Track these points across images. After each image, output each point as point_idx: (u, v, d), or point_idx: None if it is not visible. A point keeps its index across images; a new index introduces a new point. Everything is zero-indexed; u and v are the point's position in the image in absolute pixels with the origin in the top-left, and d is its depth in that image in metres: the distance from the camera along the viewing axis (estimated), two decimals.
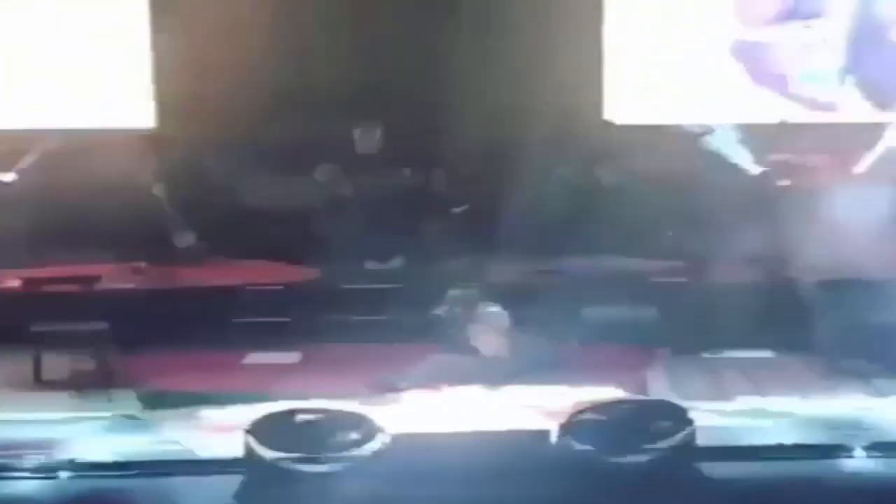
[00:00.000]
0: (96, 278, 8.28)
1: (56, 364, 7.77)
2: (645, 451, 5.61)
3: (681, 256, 8.98)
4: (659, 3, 9.87)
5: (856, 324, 7.72)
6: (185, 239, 9.69)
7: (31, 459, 5.98)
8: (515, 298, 7.82)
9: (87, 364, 7.78)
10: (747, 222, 9.30)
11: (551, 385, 7.18)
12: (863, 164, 9.58)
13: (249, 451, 5.55)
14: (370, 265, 9.21)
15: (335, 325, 8.35)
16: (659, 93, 9.88)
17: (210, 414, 6.75)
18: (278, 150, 9.78)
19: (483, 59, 9.83)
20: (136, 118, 9.79)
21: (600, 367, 7.63)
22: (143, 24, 9.73)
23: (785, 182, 9.54)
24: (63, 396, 7.24)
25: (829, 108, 9.96)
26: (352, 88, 9.79)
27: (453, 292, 7.80)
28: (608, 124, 9.78)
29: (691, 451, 5.69)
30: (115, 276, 9.01)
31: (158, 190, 9.62)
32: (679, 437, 5.65)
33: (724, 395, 7.05)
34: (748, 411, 6.82)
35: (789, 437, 6.24)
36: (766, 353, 7.90)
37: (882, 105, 9.86)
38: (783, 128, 9.83)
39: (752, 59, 9.97)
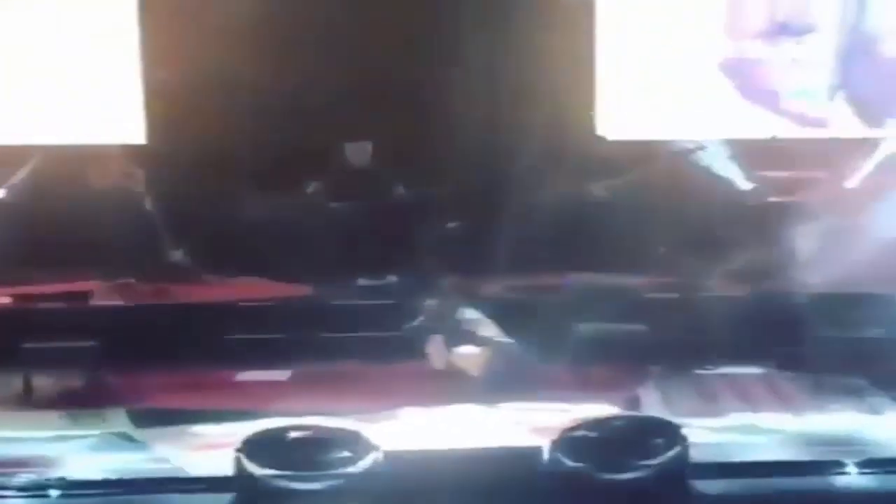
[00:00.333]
0: (86, 295, 8.25)
1: (46, 382, 7.74)
2: (637, 468, 5.60)
3: (673, 272, 8.99)
4: (651, 19, 9.88)
5: (848, 339, 7.72)
6: (176, 255, 9.68)
7: (21, 478, 5.94)
8: (507, 314, 7.83)
9: (76, 381, 7.76)
10: (739, 238, 9.33)
11: (543, 402, 7.19)
12: (854, 180, 9.60)
13: (240, 468, 5.53)
14: (362, 281, 9.20)
15: (327, 341, 8.34)
16: (651, 108, 9.89)
17: (201, 431, 6.73)
18: (270, 165, 9.76)
19: (475, 74, 9.82)
20: (126, 133, 9.77)
21: (592, 384, 7.64)
22: (134, 39, 9.71)
23: (776, 197, 9.56)
24: (53, 414, 7.20)
25: (820, 123, 9.98)
26: (345, 104, 9.78)
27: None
28: (600, 140, 9.79)
29: (684, 468, 5.68)
30: (104, 293, 8.99)
31: (149, 205, 9.60)
32: (671, 453, 5.65)
33: (717, 412, 7.04)
34: (741, 427, 6.81)
35: (782, 454, 6.24)
36: (758, 369, 7.89)
37: (873, 121, 9.89)
38: (774, 143, 9.85)
39: (743, 75, 9.99)
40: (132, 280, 9.43)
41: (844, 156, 9.55)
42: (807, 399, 7.22)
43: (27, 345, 7.62)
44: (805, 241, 9.27)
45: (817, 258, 9.18)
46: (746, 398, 7.25)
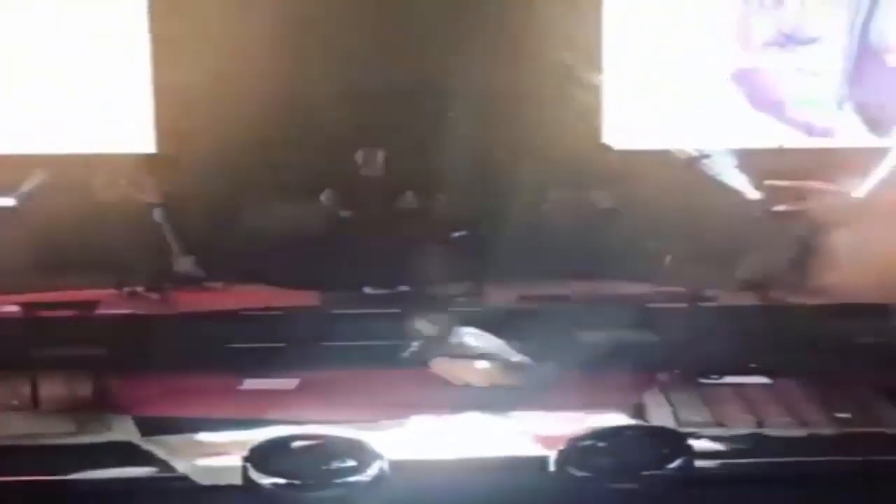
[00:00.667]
0: (94, 303, 8.28)
1: (54, 389, 7.76)
2: (643, 478, 5.60)
3: (679, 281, 8.99)
4: (657, 29, 9.90)
5: (853, 348, 7.71)
6: (184, 263, 9.70)
7: (28, 485, 5.96)
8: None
9: (84, 389, 7.78)
10: (745, 247, 9.33)
11: (549, 411, 7.19)
12: (861, 190, 9.60)
13: (247, 477, 5.54)
14: (368, 290, 9.21)
15: (333, 350, 8.35)
16: (657, 118, 9.91)
17: (207, 440, 6.73)
18: (278, 174, 9.80)
19: (483, 83, 9.85)
20: (136, 142, 9.81)
21: (598, 393, 7.65)
22: (144, 50, 9.76)
23: (783, 207, 9.56)
24: (60, 422, 7.21)
25: (826, 133, 9.98)
26: (353, 113, 9.81)
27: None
28: (606, 149, 9.80)
29: (690, 478, 5.68)
30: (112, 301, 9.02)
31: (157, 214, 9.63)
32: (677, 463, 5.65)
33: (723, 421, 7.03)
34: (747, 437, 6.80)
35: (788, 464, 6.23)
36: (765, 379, 7.88)
37: (880, 130, 9.89)
38: (781, 153, 9.86)
39: (750, 85, 10.00)
40: (140, 289, 9.50)
41: (852, 165, 9.56)
42: (813, 408, 7.20)
43: (35, 352, 7.64)
44: (812, 250, 9.27)
45: (824, 267, 9.18)
46: (752, 407, 7.24)
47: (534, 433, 6.73)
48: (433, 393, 7.47)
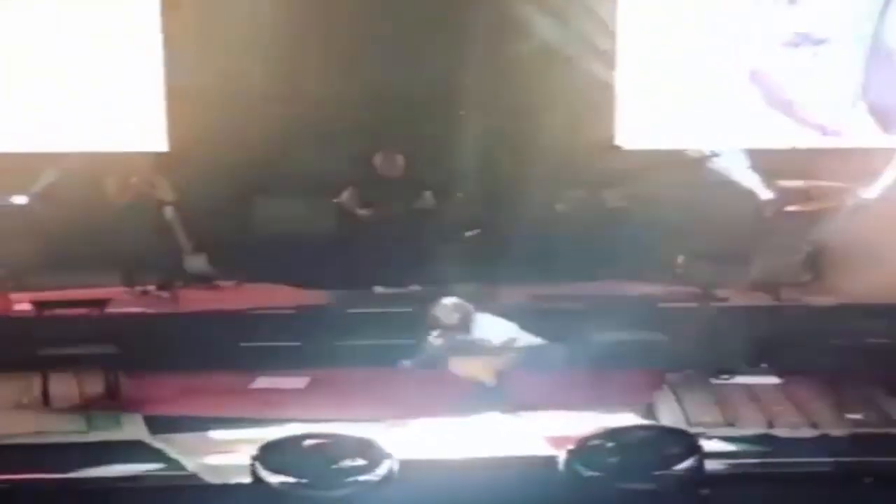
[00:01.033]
0: (105, 301, 8.29)
1: (65, 387, 7.78)
2: (654, 478, 5.59)
3: (691, 281, 8.97)
4: (670, 30, 9.89)
5: (865, 348, 7.69)
6: (195, 262, 9.71)
7: (40, 483, 5.98)
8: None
9: (94, 387, 7.80)
10: (757, 247, 9.31)
11: (560, 410, 7.19)
12: (874, 189, 9.57)
13: (256, 475, 5.54)
14: (379, 289, 9.21)
15: (344, 349, 8.35)
16: (670, 117, 9.90)
17: (217, 438, 6.75)
18: (289, 173, 9.82)
19: (496, 86, 9.86)
20: (148, 141, 9.83)
21: (609, 393, 7.64)
22: (157, 45, 9.78)
23: (795, 207, 9.53)
24: (71, 420, 7.23)
25: (839, 133, 9.95)
26: (365, 114, 9.83)
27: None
28: (619, 149, 9.79)
29: (700, 478, 5.66)
30: (123, 300, 9.04)
31: (169, 212, 9.65)
32: (688, 463, 5.63)
33: (734, 421, 7.02)
34: (757, 437, 6.79)
35: (798, 464, 6.22)
36: (776, 379, 7.87)
37: (893, 130, 9.86)
38: (794, 153, 9.83)
39: (763, 84, 9.98)
40: (151, 287, 9.52)
41: (864, 165, 9.53)
42: (823, 408, 7.19)
43: (46, 350, 7.66)
44: (824, 250, 9.25)
45: (835, 267, 9.16)
46: (763, 407, 7.23)
47: (544, 433, 6.72)
48: (443, 392, 7.47)
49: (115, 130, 9.79)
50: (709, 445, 6.10)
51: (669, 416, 7.12)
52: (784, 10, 9.87)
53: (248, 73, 9.49)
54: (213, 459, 6.33)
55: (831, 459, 6.22)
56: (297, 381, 8.03)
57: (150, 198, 9.61)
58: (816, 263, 9.19)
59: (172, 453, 6.46)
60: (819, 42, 9.92)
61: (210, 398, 7.67)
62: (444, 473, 5.63)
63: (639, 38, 9.94)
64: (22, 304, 8.74)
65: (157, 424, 7.01)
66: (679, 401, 7.39)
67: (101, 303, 8.20)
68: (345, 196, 9.58)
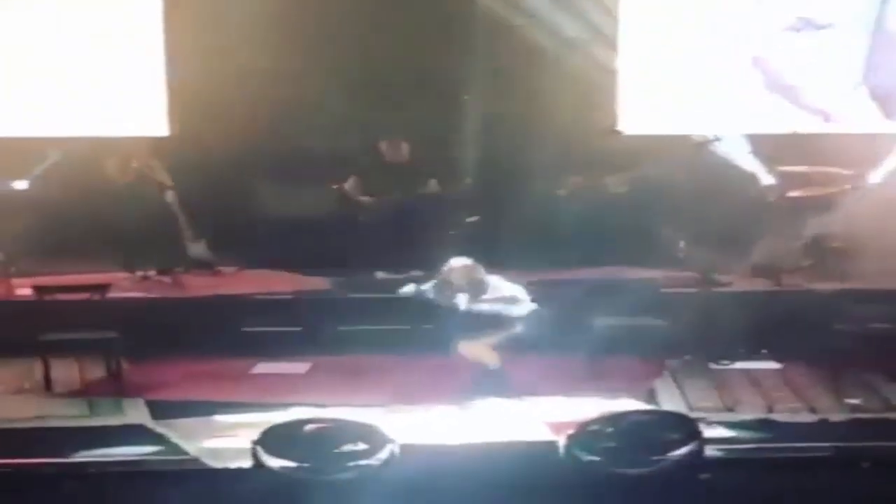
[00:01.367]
0: (106, 287, 8.30)
1: (67, 372, 7.80)
2: (653, 463, 5.60)
3: (691, 266, 8.98)
4: (672, 15, 9.88)
5: (865, 334, 7.69)
6: (197, 247, 9.72)
7: (42, 468, 5.99)
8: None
9: (96, 372, 7.82)
10: (758, 233, 9.31)
11: (559, 396, 7.20)
12: (875, 175, 9.56)
13: (257, 460, 5.55)
14: (381, 274, 9.22)
15: (345, 334, 8.37)
16: (672, 102, 9.89)
17: (219, 423, 6.76)
18: (289, 159, 9.81)
19: (498, 72, 9.85)
20: (150, 125, 9.83)
21: (609, 378, 7.65)
22: (157, 32, 9.78)
23: (796, 192, 9.53)
24: (72, 405, 7.25)
25: (841, 118, 9.95)
26: (366, 100, 9.82)
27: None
28: (621, 134, 9.79)
29: (700, 463, 5.68)
30: (125, 285, 9.05)
31: (170, 198, 9.64)
32: (688, 448, 5.64)
33: (733, 406, 7.03)
34: (757, 422, 6.80)
35: (798, 449, 6.23)
36: (776, 364, 7.88)
37: (895, 115, 9.85)
38: (795, 138, 9.83)
39: (764, 69, 9.97)
40: (152, 272, 9.53)
41: (866, 151, 9.53)
42: (822, 393, 7.20)
43: (47, 335, 7.67)
44: (824, 236, 9.25)
45: (836, 253, 9.16)
46: (763, 393, 7.24)
47: (544, 418, 6.74)
48: (444, 378, 7.49)
49: (116, 115, 9.79)
50: (709, 430, 6.11)
51: (670, 401, 7.13)
52: None
53: (249, 57, 9.47)
54: (214, 444, 6.34)
55: (830, 444, 6.22)
56: (298, 367, 8.05)
57: (151, 183, 9.61)
58: (818, 249, 9.19)
59: (174, 438, 6.47)
60: (821, 27, 9.91)
61: (211, 383, 7.69)
62: (445, 458, 5.64)
63: (641, 23, 9.93)
64: (23, 289, 8.76)
65: (159, 409, 7.02)
66: (679, 386, 7.41)
67: (102, 288, 8.21)
68: (348, 184, 9.57)
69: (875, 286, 8.48)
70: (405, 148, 9.62)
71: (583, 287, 8.61)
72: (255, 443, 5.56)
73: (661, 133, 9.74)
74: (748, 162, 9.70)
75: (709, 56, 9.90)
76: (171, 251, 9.55)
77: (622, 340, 7.79)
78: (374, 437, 5.59)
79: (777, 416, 6.84)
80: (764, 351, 7.99)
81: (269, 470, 5.51)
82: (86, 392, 7.50)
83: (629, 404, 6.96)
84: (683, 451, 5.61)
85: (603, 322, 7.85)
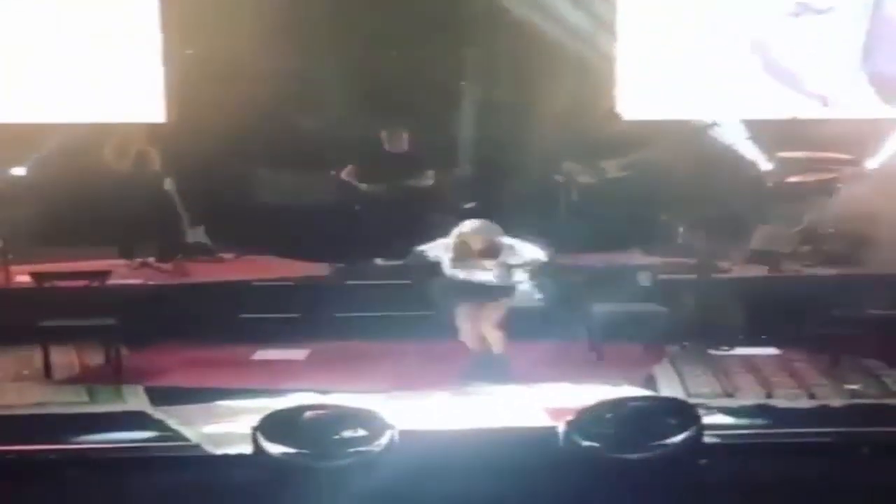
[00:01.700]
0: (106, 273, 8.30)
1: (66, 359, 7.80)
2: (652, 449, 5.61)
3: (690, 253, 8.97)
4: (671, 1, 9.87)
5: (863, 319, 7.70)
6: (195, 234, 9.71)
7: (41, 454, 6.00)
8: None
9: (96, 359, 7.82)
10: (757, 218, 9.31)
11: (559, 382, 7.21)
12: (874, 160, 9.56)
13: (257, 446, 5.56)
14: (380, 261, 9.21)
15: (344, 321, 8.37)
16: (671, 87, 9.88)
17: (218, 409, 6.77)
18: (288, 146, 9.79)
19: (496, 59, 9.84)
20: (147, 112, 9.81)
21: (608, 364, 7.66)
22: (155, 18, 9.76)
23: (795, 178, 9.53)
24: (72, 391, 7.25)
25: (840, 104, 9.94)
26: (363, 86, 9.80)
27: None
28: (619, 120, 9.77)
29: (699, 448, 5.69)
30: (125, 272, 9.05)
31: (169, 184, 9.63)
32: (687, 433, 5.65)
33: (732, 392, 7.04)
34: (756, 408, 6.80)
35: (797, 434, 6.24)
36: (775, 350, 7.89)
37: (893, 101, 9.84)
38: (794, 123, 9.82)
39: (763, 54, 9.95)
40: (151, 259, 9.52)
41: (865, 136, 9.52)
42: (822, 380, 7.20)
43: (46, 322, 7.67)
44: (824, 221, 9.25)
45: (836, 239, 9.16)
46: (762, 378, 7.25)
47: (543, 404, 6.75)
48: (444, 364, 7.49)
49: (113, 101, 9.78)
50: (707, 416, 6.12)
51: (668, 387, 7.14)
52: None
53: (247, 44, 9.44)
54: (214, 430, 6.35)
55: (829, 430, 6.24)
56: (297, 353, 8.05)
57: (149, 169, 9.59)
58: (816, 235, 9.19)
59: (173, 424, 6.48)
60: (820, 12, 9.89)
61: (210, 369, 7.69)
62: (444, 444, 5.64)
63: (640, 7, 9.91)
64: (22, 276, 8.75)
65: (158, 395, 7.02)
66: (678, 372, 7.41)
67: (101, 275, 8.20)
68: (345, 171, 9.56)
69: (874, 271, 8.48)
70: (405, 137, 9.60)
71: (582, 273, 8.61)
72: (255, 429, 5.57)
73: (660, 119, 9.72)
74: (747, 147, 9.70)
75: (708, 41, 9.88)
76: (169, 238, 9.55)
77: (621, 326, 7.79)
78: (373, 424, 5.60)
79: (776, 402, 6.84)
80: (763, 337, 8.00)
81: (269, 456, 5.52)
82: (85, 379, 7.51)
83: (628, 390, 6.96)
84: (682, 436, 5.62)
85: (602, 308, 7.85)
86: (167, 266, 9.35)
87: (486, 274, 7.34)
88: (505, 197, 9.23)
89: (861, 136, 9.48)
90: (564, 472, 5.53)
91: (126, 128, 9.70)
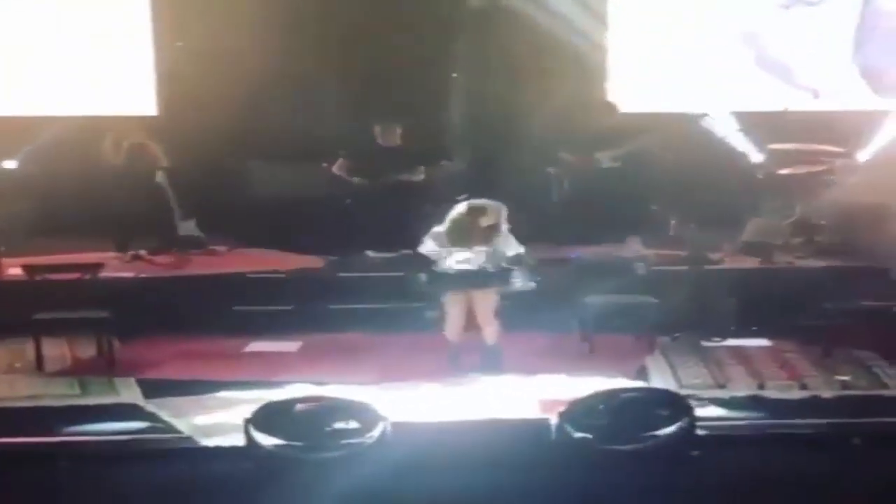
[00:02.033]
0: (99, 266, 8.29)
1: (58, 352, 7.79)
2: (644, 440, 5.62)
3: (682, 244, 8.98)
4: None
5: (854, 311, 7.72)
6: (188, 227, 9.70)
7: (34, 447, 6.00)
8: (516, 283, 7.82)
9: (88, 351, 7.81)
10: (749, 210, 9.32)
11: (551, 374, 7.21)
12: (866, 152, 9.57)
13: (250, 438, 5.57)
14: (372, 254, 9.21)
15: (336, 313, 8.37)
16: (662, 80, 9.88)
17: (211, 401, 6.77)
18: (280, 139, 9.78)
19: (488, 51, 9.84)
20: (139, 105, 9.80)
21: (601, 356, 7.67)
22: (146, 9, 9.75)
23: (787, 170, 9.54)
24: (65, 384, 7.24)
25: (831, 95, 9.95)
26: (354, 80, 9.80)
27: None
28: (611, 113, 9.77)
29: (691, 439, 5.70)
30: (117, 264, 9.04)
31: (161, 177, 9.61)
32: (678, 425, 5.67)
33: (724, 383, 7.05)
34: (748, 399, 6.81)
35: (788, 426, 6.25)
36: (766, 341, 7.90)
37: (885, 93, 9.86)
38: (786, 115, 9.83)
39: (755, 47, 9.97)
40: (144, 252, 9.50)
41: (857, 128, 9.53)
42: (813, 370, 7.22)
43: (39, 315, 7.66)
44: (815, 213, 9.27)
45: (827, 230, 9.18)
46: (753, 370, 7.26)
47: (536, 396, 6.75)
48: (436, 355, 7.49)
49: (105, 94, 9.77)
50: (699, 407, 6.13)
51: (661, 378, 7.14)
52: None
53: (239, 38, 9.43)
54: (206, 422, 6.35)
55: (821, 421, 6.25)
56: (289, 345, 8.05)
57: (141, 162, 9.56)
58: (808, 226, 9.21)
59: (166, 416, 6.47)
60: (811, 4, 9.90)
61: (203, 362, 7.69)
62: (437, 436, 5.65)
63: (631, 0, 9.92)
64: (14, 269, 8.74)
65: (151, 388, 7.02)
66: (670, 363, 7.42)
67: (93, 267, 8.19)
68: (336, 165, 9.55)
69: (865, 263, 8.50)
70: (398, 131, 9.58)
71: (574, 265, 8.62)
72: (248, 421, 5.58)
73: (652, 111, 9.73)
74: (739, 139, 9.70)
75: (699, 34, 9.89)
76: (162, 230, 9.54)
77: (613, 318, 7.80)
78: (366, 416, 5.61)
79: (768, 393, 6.85)
80: (755, 328, 8.01)
81: (262, 448, 5.53)
82: (77, 371, 7.50)
83: (620, 381, 6.97)
84: (674, 427, 5.64)
85: (594, 300, 7.86)
86: (159, 258, 9.33)
87: (479, 257, 7.35)
88: (497, 189, 9.21)
89: (852, 128, 9.49)
90: (556, 463, 5.54)
91: (117, 120, 9.68)
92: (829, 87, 9.96)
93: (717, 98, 9.87)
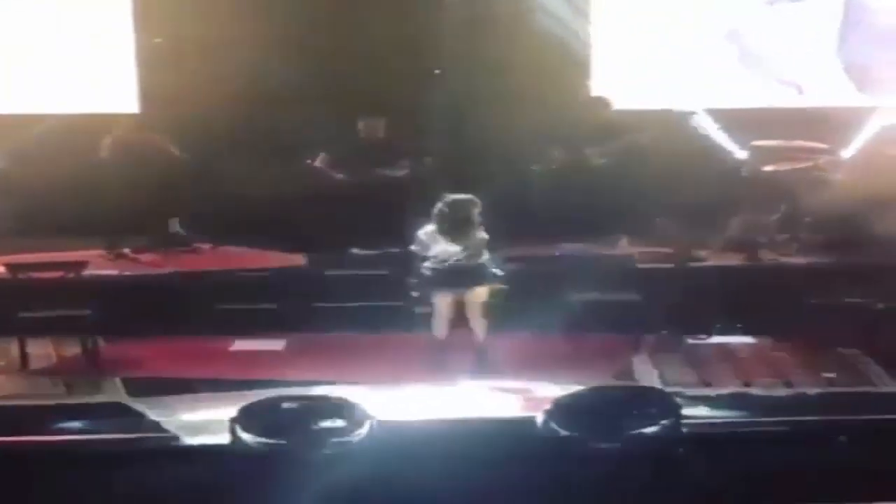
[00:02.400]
0: (83, 264, 8.26)
1: (43, 351, 7.76)
2: (630, 438, 5.62)
3: (667, 242, 8.99)
4: None
5: (840, 308, 7.74)
6: (172, 225, 9.67)
7: (17, 446, 5.97)
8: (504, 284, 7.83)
9: (73, 351, 7.79)
10: (733, 207, 9.33)
11: (536, 372, 7.22)
12: (850, 149, 9.60)
13: (235, 437, 5.55)
14: (357, 252, 9.19)
15: (321, 311, 8.35)
16: (646, 77, 9.89)
17: (196, 400, 6.75)
18: (262, 135, 9.76)
19: (472, 44, 9.82)
20: (121, 102, 9.76)
21: (585, 353, 7.67)
22: (127, 8, 9.71)
23: (771, 167, 9.55)
24: (48, 383, 7.22)
25: (815, 92, 9.97)
26: (340, 76, 9.78)
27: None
28: (596, 108, 9.77)
29: (676, 438, 5.70)
30: (101, 262, 9.00)
31: (144, 175, 9.57)
32: (664, 423, 5.67)
33: (709, 381, 7.07)
34: (733, 397, 6.83)
35: (774, 424, 6.26)
36: (752, 339, 7.92)
37: (868, 90, 9.88)
38: (770, 112, 9.85)
39: (739, 43, 9.98)
40: (128, 250, 9.47)
41: (841, 124, 9.55)
42: (800, 368, 7.24)
43: (22, 313, 7.63)
44: (800, 210, 9.28)
45: (811, 227, 9.20)
46: (739, 367, 7.28)
47: (521, 394, 6.76)
48: (422, 354, 7.49)
49: (88, 92, 9.73)
50: (685, 405, 6.13)
51: (646, 376, 7.16)
52: None
53: (220, 34, 9.40)
54: (191, 421, 6.33)
55: (806, 418, 6.26)
56: (274, 344, 8.04)
57: (125, 160, 9.52)
58: (793, 224, 9.23)
59: (151, 415, 6.45)
60: (795, 0, 9.92)
61: (187, 360, 7.67)
62: (423, 435, 5.65)
63: None
64: None
65: (135, 386, 7.00)
66: (655, 361, 7.43)
67: (77, 266, 8.16)
68: (319, 160, 9.53)
69: (850, 260, 8.52)
70: (381, 126, 9.57)
71: (558, 263, 8.62)
72: (233, 420, 5.56)
73: (636, 108, 9.73)
74: (722, 136, 9.71)
75: (683, 30, 9.90)
76: (145, 228, 9.51)
77: (598, 316, 7.81)
78: (352, 414, 5.60)
79: (753, 391, 6.87)
80: (740, 325, 8.03)
81: (247, 447, 5.51)
82: (62, 370, 7.48)
83: (606, 379, 6.98)
84: (660, 426, 5.64)
85: (579, 298, 7.86)
86: (143, 257, 9.30)
87: (466, 252, 7.36)
88: (481, 186, 9.22)
89: (837, 124, 9.50)
90: (542, 461, 5.54)
91: (99, 118, 9.64)
92: (814, 83, 9.98)
93: (700, 95, 9.88)
